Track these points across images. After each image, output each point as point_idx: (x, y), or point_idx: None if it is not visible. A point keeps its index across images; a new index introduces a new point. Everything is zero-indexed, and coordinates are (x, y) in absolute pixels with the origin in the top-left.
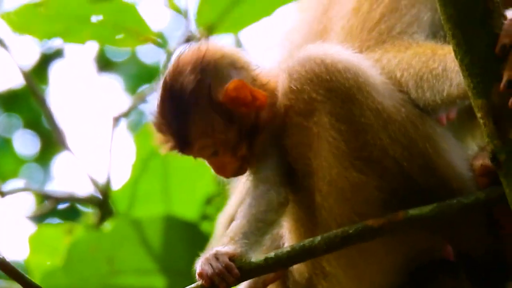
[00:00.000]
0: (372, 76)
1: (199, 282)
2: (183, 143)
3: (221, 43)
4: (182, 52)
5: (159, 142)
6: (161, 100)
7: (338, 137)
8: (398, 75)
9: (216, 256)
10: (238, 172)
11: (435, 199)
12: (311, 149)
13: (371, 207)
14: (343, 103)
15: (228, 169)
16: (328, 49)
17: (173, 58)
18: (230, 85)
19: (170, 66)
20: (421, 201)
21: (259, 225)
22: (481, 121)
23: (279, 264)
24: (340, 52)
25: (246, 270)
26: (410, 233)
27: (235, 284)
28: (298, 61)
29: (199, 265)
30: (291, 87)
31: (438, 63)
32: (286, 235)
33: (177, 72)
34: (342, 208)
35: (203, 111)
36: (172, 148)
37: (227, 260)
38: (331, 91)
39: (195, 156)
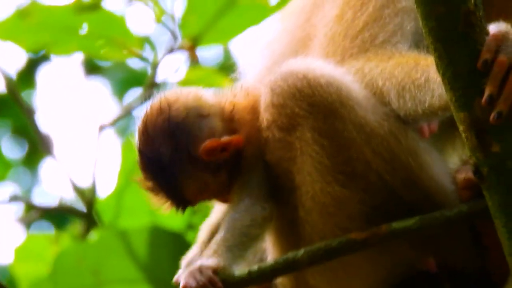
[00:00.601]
0: (354, 90)
1: None
2: (182, 203)
3: (180, 92)
4: (146, 116)
5: (156, 203)
6: (144, 168)
7: (321, 152)
8: (380, 84)
9: (200, 270)
10: None
11: (418, 213)
12: (294, 164)
13: (354, 222)
14: (325, 118)
15: (230, 198)
16: (310, 64)
17: (139, 122)
18: (202, 150)
19: (139, 133)
20: (405, 215)
21: (243, 239)
22: (464, 134)
23: (262, 277)
24: (323, 67)
25: (230, 283)
26: (393, 246)
27: None
28: (280, 75)
29: (183, 278)
30: (273, 102)
31: (420, 74)
32: (270, 248)
33: (150, 142)
34: (325, 223)
35: (191, 173)
36: (173, 207)
37: (210, 273)
38: (314, 106)
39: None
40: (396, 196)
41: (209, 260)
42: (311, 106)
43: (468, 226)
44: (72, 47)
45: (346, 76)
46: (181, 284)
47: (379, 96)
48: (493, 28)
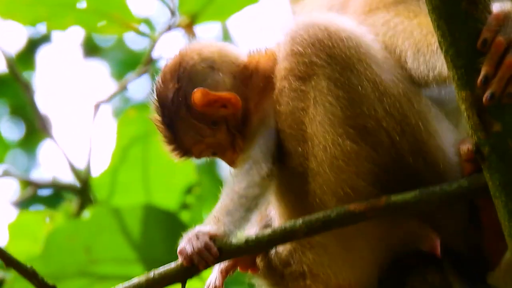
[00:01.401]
0: (373, 49)
1: (179, 261)
2: (182, 150)
3: (205, 42)
4: (170, 58)
5: (167, 151)
6: (155, 108)
7: (334, 103)
8: (400, 42)
9: (197, 235)
10: None
11: (421, 182)
12: (307, 114)
13: (362, 181)
14: (342, 70)
15: (236, 162)
16: (333, 18)
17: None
18: (193, 95)
19: (160, 73)
20: (409, 182)
21: (242, 201)
22: (465, 113)
23: (259, 247)
24: (345, 22)
25: (226, 251)
26: (392, 219)
27: (214, 264)
28: (301, 25)
29: (181, 243)
30: (293, 49)
31: (435, 39)
32: (276, 209)
33: (162, 81)
34: (336, 177)
35: (186, 120)
36: (175, 154)
37: (207, 239)
38: (332, 57)
39: (199, 158)
40: (403, 159)
41: (207, 227)
42: (329, 57)
43: (468, 202)
44: (70, 22)
45: (367, 35)
46: (178, 249)
47: (397, 54)
48: (497, 7)
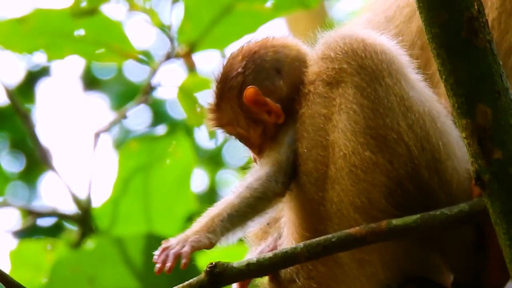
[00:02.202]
0: (406, 68)
1: (201, 276)
2: (217, 121)
3: (291, 39)
4: (257, 38)
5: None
6: (215, 74)
7: (359, 112)
8: None
9: (183, 243)
10: None
11: (435, 199)
12: (331, 121)
13: (378, 193)
14: (371, 81)
15: (259, 159)
16: (372, 33)
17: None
18: (246, 90)
19: (239, 47)
20: (422, 199)
21: (247, 210)
22: (466, 141)
23: (260, 270)
24: (384, 40)
25: (227, 275)
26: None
27: (167, 272)
28: (339, 34)
29: (169, 240)
30: (325, 53)
31: None
32: (290, 220)
33: (233, 57)
34: (353, 186)
35: (232, 103)
36: (210, 122)
37: (188, 250)
38: (363, 67)
39: (229, 135)
40: (418, 176)
41: (201, 237)
42: (360, 67)
43: (473, 229)
44: (68, 51)
45: (403, 56)
46: (163, 245)
47: None
48: None
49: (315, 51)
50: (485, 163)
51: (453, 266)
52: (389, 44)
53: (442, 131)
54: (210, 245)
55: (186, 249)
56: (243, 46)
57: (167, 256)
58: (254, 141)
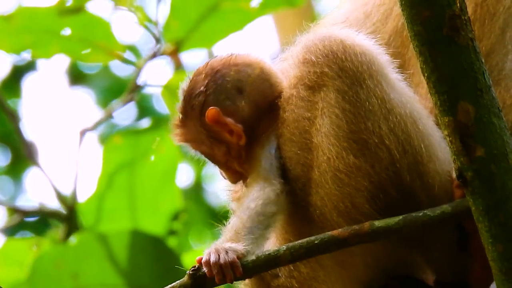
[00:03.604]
0: (386, 68)
1: (184, 279)
2: (182, 137)
3: (255, 57)
4: (220, 55)
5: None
6: (181, 91)
7: (341, 116)
8: None
9: (227, 250)
10: (243, 180)
11: (417, 202)
12: (314, 124)
13: (361, 198)
14: (352, 84)
15: (226, 177)
16: (351, 34)
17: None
18: (208, 112)
19: (204, 64)
20: (405, 202)
21: (261, 219)
22: (448, 138)
23: (244, 273)
24: (362, 39)
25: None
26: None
27: (231, 282)
28: (317, 37)
29: (207, 253)
30: (306, 58)
31: None
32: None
33: (196, 74)
34: (337, 189)
35: (195, 122)
36: (176, 137)
37: (235, 257)
38: (343, 70)
39: (194, 151)
40: (400, 179)
41: (238, 245)
42: (341, 70)
43: (456, 226)
44: (55, 50)
45: (383, 55)
46: (204, 259)
47: None
48: None
49: (295, 54)
50: (467, 160)
51: (436, 265)
52: (368, 44)
53: (424, 133)
54: (246, 252)
55: (232, 256)
56: (207, 63)
57: (221, 268)
58: (219, 159)
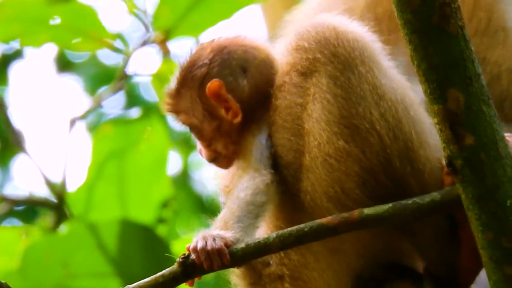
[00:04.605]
0: (378, 55)
1: (153, 276)
2: (173, 107)
3: (262, 41)
4: (229, 34)
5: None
6: (181, 60)
7: (332, 101)
8: None
9: (215, 237)
10: (216, 161)
11: (408, 188)
12: (305, 110)
13: (352, 183)
14: (344, 70)
15: (203, 153)
16: (343, 20)
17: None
18: (211, 82)
19: (211, 40)
20: (395, 188)
21: (250, 208)
22: (438, 126)
23: (233, 261)
24: (355, 26)
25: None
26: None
27: (220, 269)
28: (310, 23)
29: (194, 240)
30: (299, 44)
31: None
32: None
33: (201, 48)
34: (327, 175)
35: (193, 92)
36: (166, 106)
37: (222, 244)
38: (336, 56)
39: (181, 124)
40: (390, 165)
41: (226, 233)
42: (333, 56)
43: (446, 215)
44: (44, 39)
45: (376, 43)
46: (191, 246)
47: None
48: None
49: (288, 42)
50: (457, 148)
51: (425, 254)
52: (361, 31)
53: (415, 120)
54: (235, 240)
55: (219, 243)
56: (213, 40)
57: (208, 255)
58: (206, 133)
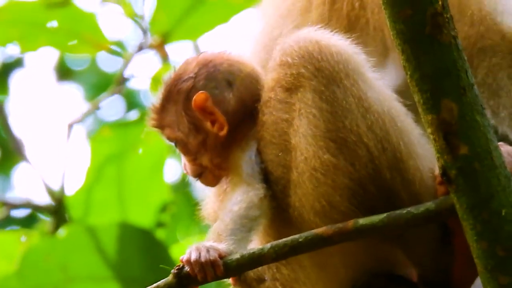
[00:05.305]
0: (363, 67)
1: (169, 278)
2: (157, 122)
3: (246, 58)
4: (214, 50)
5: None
6: (166, 75)
7: (318, 115)
8: None
9: (208, 249)
10: (201, 177)
11: (398, 199)
12: (291, 126)
13: (339, 196)
14: (328, 84)
15: (188, 168)
16: (326, 34)
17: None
18: (196, 96)
19: (196, 54)
20: (385, 199)
21: (244, 222)
22: (431, 136)
23: (227, 272)
24: (337, 39)
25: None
26: (363, 241)
27: (214, 281)
28: (293, 38)
29: (188, 251)
30: (282, 60)
31: None
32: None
33: (187, 63)
34: (315, 190)
35: (178, 106)
36: (150, 122)
37: (216, 255)
38: (320, 70)
39: (166, 139)
40: (380, 176)
41: (219, 244)
42: (317, 70)
43: (439, 226)
44: (42, 42)
45: (359, 54)
46: (185, 257)
47: None
48: None
49: (272, 58)
50: (451, 158)
51: (419, 262)
52: (344, 44)
53: (403, 130)
54: (228, 252)
55: (213, 254)
56: (199, 55)
57: (202, 266)
58: (191, 148)
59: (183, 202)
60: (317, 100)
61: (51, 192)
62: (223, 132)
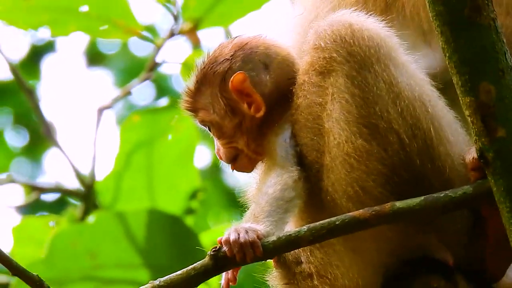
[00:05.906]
0: (395, 52)
1: (185, 269)
2: (191, 106)
3: (281, 41)
4: (250, 34)
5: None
6: (201, 58)
7: (350, 101)
8: None
9: (247, 230)
10: (236, 161)
11: (429, 185)
12: (325, 110)
13: (372, 181)
14: (360, 69)
15: (221, 153)
16: (360, 17)
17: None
18: (235, 75)
19: (231, 38)
20: (416, 185)
21: (279, 203)
22: (469, 119)
23: (264, 254)
24: (371, 23)
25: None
26: (398, 225)
27: (252, 262)
28: (327, 21)
29: (227, 232)
30: (316, 43)
31: None
32: None
33: (223, 46)
34: (348, 175)
35: (214, 88)
36: (184, 105)
37: (255, 237)
38: (352, 55)
39: (199, 123)
40: (411, 163)
41: (258, 225)
42: (349, 55)
43: (473, 210)
44: (73, 28)
45: (392, 38)
46: (223, 238)
47: None
48: None
49: (307, 41)
50: (488, 141)
51: (452, 248)
52: (377, 28)
53: (433, 116)
54: (266, 233)
55: (252, 235)
56: (234, 38)
57: (241, 247)
58: (226, 131)
59: (213, 189)
60: (349, 85)
61: (80, 178)
62: (260, 114)
